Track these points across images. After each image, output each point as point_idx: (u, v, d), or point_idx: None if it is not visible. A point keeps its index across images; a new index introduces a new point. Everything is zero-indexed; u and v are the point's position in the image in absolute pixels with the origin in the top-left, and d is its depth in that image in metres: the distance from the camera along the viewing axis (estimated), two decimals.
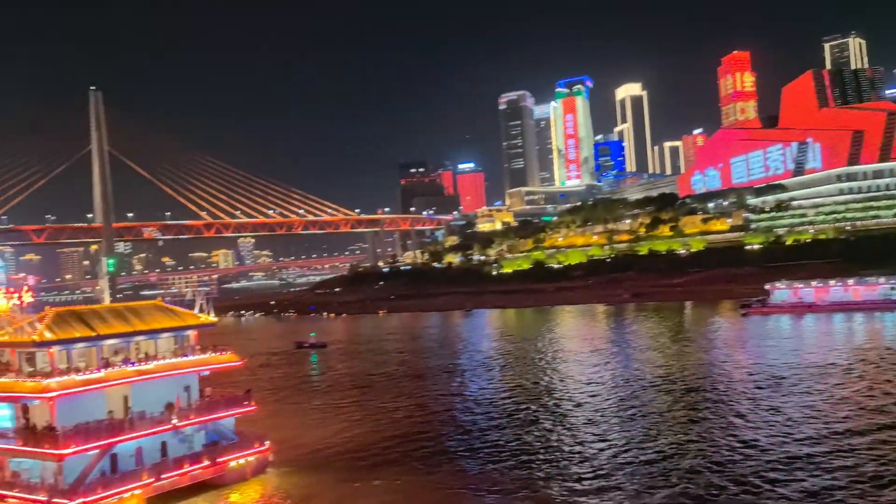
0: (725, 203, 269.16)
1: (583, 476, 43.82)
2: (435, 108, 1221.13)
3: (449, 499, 41.70)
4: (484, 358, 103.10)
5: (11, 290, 45.21)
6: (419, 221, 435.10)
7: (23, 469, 41.27)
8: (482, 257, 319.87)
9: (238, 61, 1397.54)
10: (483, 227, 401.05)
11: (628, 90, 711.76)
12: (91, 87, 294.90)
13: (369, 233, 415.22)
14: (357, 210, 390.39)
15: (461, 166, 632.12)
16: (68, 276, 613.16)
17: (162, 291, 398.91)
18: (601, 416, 60.09)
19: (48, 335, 40.96)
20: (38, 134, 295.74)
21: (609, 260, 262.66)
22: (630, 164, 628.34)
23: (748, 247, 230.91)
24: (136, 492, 40.32)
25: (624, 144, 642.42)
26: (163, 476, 41.74)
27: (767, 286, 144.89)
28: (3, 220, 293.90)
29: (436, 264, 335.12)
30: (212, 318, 49.52)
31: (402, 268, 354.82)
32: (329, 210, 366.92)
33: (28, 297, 45.14)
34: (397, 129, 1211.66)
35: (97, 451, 40.22)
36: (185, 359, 46.87)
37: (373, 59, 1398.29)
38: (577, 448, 50.24)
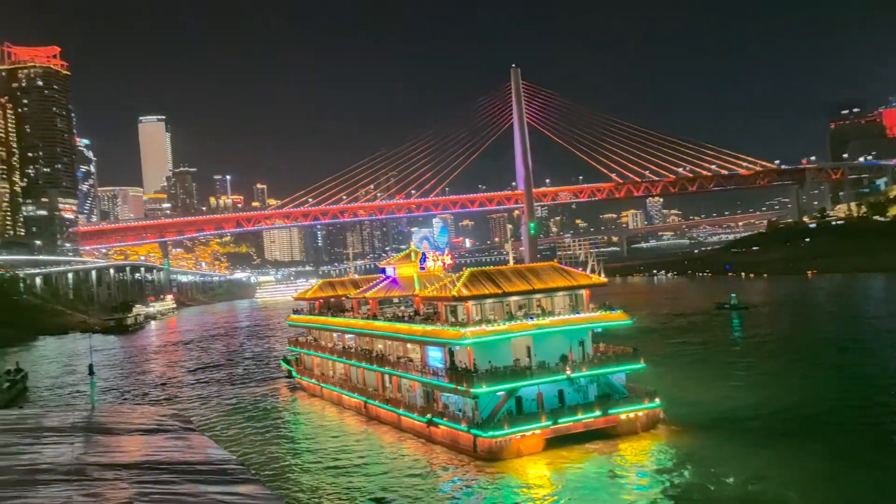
0: None
1: None
2: (875, 33, 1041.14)
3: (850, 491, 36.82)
4: None
5: (438, 253, 54.29)
6: (854, 170, 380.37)
7: (450, 402, 49.58)
8: None
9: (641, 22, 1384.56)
10: None
11: None
12: (512, 66, 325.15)
13: (791, 185, 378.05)
14: (776, 161, 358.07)
15: None
16: (496, 239, 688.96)
17: (566, 253, 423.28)
18: None
19: (465, 291, 48.22)
20: (469, 115, 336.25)
21: None
22: None
23: None
24: (537, 432, 45.22)
25: None
26: (559, 421, 45.96)
27: None
28: (446, 192, 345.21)
29: (878, 218, 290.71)
30: (602, 278, 52.19)
31: (832, 223, 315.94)
32: (744, 163, 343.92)
33: (448, 260, 53.59)
34: (825, 64, 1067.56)
35: (505, 392, 46.19)
36: (578, 315, 50.45)
37: None
38: None
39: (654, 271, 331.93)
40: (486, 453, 44.43)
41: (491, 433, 44.17)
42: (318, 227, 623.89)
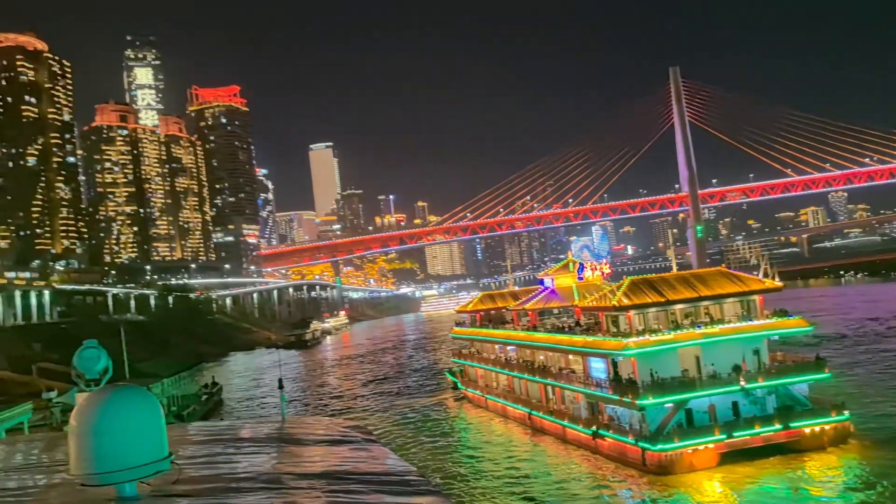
0: None
1: None
2: None
3: None
4: None
5: (596, 262, 53.69)
6: None
7: (616, 414, 48.68)
8: None
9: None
10: None
11: None
12: (670, 66, 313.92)
13: None
14: None
15: None
16: (660, 245, 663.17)
17: (736, 257, 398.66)
18: None
19: (625, 301, 47.30)
20: (624, 118, 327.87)
21: None
22: None
23: None
24: (710, 446, 43.27)
25: None
26: (735, 434, 43.67)
27: None
28: (604, 199, 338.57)
29: None
30: (777, 282, 49.16)
31: None
32: None
33: (606, 269, 52.83)
34: None
35: (673, 404, 44.68)
36: (750, 322, 47.81)
37: None
38: None
39: (841, 273, 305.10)
40: (655, 467, 43.15)
41: (661, 446, 42.87)
42: (477, 240, 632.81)
